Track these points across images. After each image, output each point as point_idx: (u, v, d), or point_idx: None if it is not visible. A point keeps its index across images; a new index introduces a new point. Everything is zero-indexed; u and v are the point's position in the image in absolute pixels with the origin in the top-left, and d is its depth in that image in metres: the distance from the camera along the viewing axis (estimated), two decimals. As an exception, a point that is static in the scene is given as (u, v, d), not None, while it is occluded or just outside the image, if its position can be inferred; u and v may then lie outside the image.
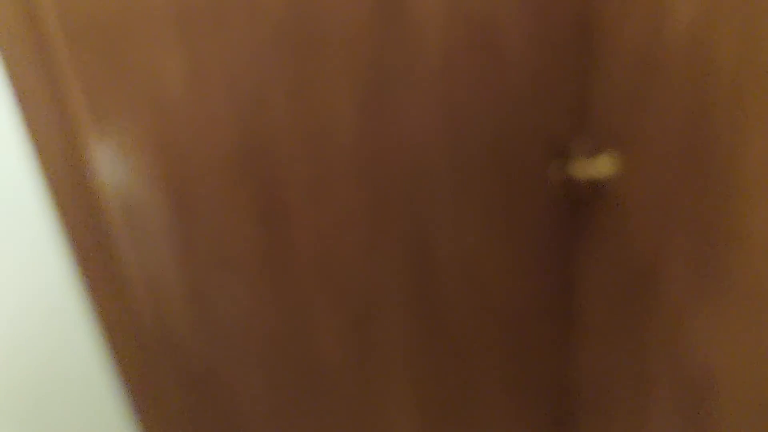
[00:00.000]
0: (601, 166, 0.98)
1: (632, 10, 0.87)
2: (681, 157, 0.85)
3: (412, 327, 1.11)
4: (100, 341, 0.98)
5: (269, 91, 0.87)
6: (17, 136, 0.80)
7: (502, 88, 0.95)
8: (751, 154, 0.75)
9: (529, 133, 1.00)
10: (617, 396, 1.13)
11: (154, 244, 0.94)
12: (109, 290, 0.94)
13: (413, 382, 1.16)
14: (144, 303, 0.99)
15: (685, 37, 0.80)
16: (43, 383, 0.94)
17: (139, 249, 0.94)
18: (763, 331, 0.79)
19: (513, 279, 1.12)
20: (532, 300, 1.15)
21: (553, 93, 0.98)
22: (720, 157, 0.79)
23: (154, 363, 1.03)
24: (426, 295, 1.09)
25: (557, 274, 1.14)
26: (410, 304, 1.08)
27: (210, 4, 0.80)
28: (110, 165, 0.87)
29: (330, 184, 0.95)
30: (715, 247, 0.82)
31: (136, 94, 0.83)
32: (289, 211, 0.95)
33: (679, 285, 0.90)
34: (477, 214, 1.04)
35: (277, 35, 0.84)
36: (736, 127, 0.76)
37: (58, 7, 0.77)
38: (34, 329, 0.91)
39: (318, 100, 0.89)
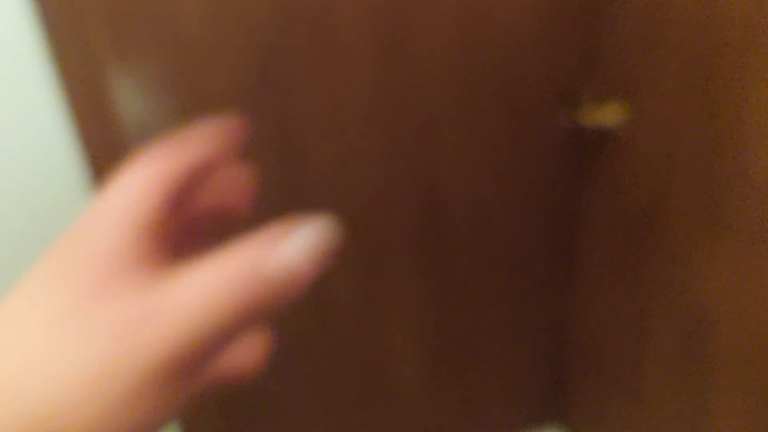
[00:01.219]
0: (608, 113, 0.99)
1: None
2: (687, 103, 0.86)
3: (421, 267, 1.14)
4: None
5: (289, 25, 0.88)
6: (43, 68, 0.83)
7: (514, 34, 0.96)
8: (755, 98, 0.76)
9: (539, 79, 1.01)
10: (616, 334, 1.16)
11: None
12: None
13: (419, 320, 1.20)
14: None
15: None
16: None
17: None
18: (763, 272, 0.81)
19: (518, 220, 1.15)
20: (536, 242, 1.18)
21: (562, 41, 0.99)
22: (725, 102, 0.80)
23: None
24: (435, 237, 1.11)
25: (562, 217, 1.17)
26: (420, 244, 1.11)
27: None
28: (130, 95, 0.89)
29: (345, 123, 0.97)
30: (717, 189, 0.84)
31: (157, 27, 0.85)
32: (305, 150, 0.97)
33: (681, 226, 0.92)
34: (486, 158, 1.06)
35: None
36: (741, 74, 0.77)
37: None
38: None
39: (336, 37, 0.90)
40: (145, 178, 0.18)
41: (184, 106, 0.91)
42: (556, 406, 1.44)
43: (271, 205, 1.00)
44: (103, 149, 0.91)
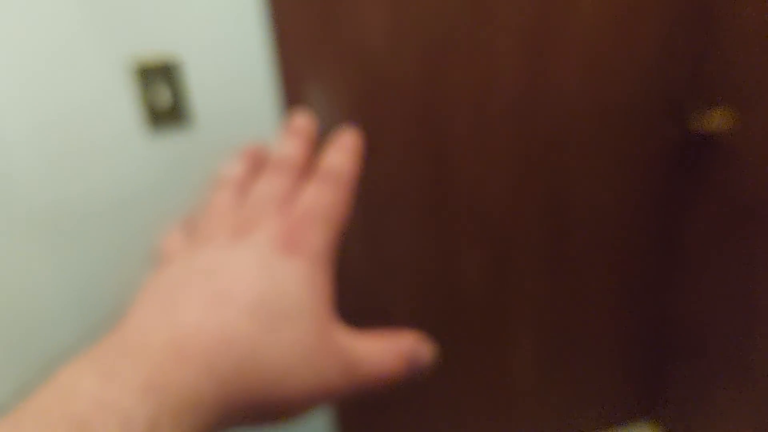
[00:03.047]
0: (716, 119, 1.01)
1: None
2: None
3: (543, 267, 1.23)
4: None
5: (448, 43, 1.00)
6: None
7: (633, 52, 1.05)
8: None
9: (652, 89, 1.09)
10: (722, 321, 1.17)
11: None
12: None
13: (539, 317, 1.28)
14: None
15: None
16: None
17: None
18: None
19: (629, 223, 1.22)
20: (644, 243, 1.25)
21: (674, 52, 1.07)
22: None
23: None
24: (557, 239, 1.20)
25: (669, 218, 1.23)
26: (543, 245, 1.20)
27: None
28: (317, 100, 1.00)
29: (489, 131, 1.07)
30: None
31: (346, 41, 0.97)
32: (453, 149, 1.07)
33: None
34: (603, 165, 1.14)
35: None
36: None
37: None
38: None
39: (487, 54, 1.01)
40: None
41: (359, 111, 1.02)
42: (649, 402, 1.44)
43: (419, 202, 1.11)
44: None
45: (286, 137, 0.30)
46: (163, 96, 0.92)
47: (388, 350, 0.24)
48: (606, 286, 1.28)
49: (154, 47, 0.90)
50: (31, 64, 0.86)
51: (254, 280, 0.22)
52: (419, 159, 1.07)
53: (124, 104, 0.91)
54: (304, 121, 0.30)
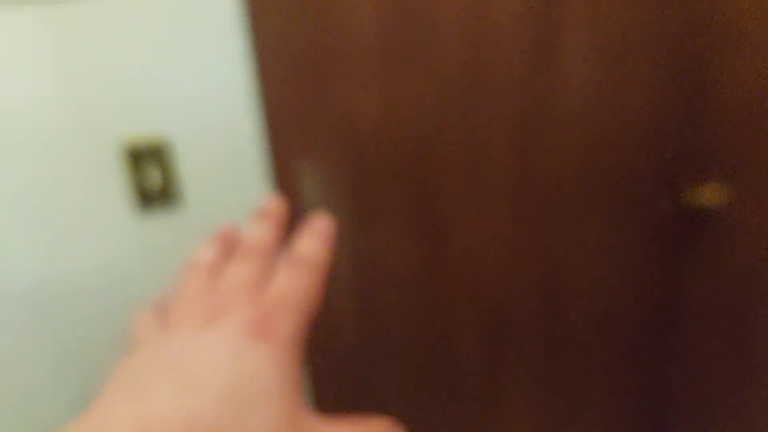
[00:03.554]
0: (709, 194, 0.99)
1: (743, 55, 0.90)
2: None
3: (538, 333, 1.19)
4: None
5: (441, 121, 0.99)
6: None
7: (625, 128, 1.04)
8: None
9: (644, 164, 1.07)
10: (718, 402, 1.14)
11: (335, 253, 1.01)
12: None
13: (534, 384, 1.25)
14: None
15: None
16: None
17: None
18: None
19: (626, 295, 1.18)
20: (641, 315, 1.21)
21: (666, 128, 1.05)
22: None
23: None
24: (553, 309, 1.17)
25: (665, 290, 1.19)
26: (540, 315, 1.17)
27: (403, 47, 0.93)
28: (310, 174, 0.99)
29: (482, 203, 1.06)
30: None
31: (336, 121, 0.96)
32: (447, 226, 1.06)
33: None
34: (598, 238, 1.12)
35: (453, 75, 0.96)
36: None
37: (274, 50, 0.91)
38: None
39: (479, 132, 1.00)
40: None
41: (352, 183, 1.01)
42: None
43: (414, 277, 1.09)
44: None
45: (257, 221, 0.31)
46: (154, 177, 0.91)
47: None
48: (602, 358, 1.24)
49: (145, 129, 0.89)
50: (21, 144, 0.86)
51: (223, 366, 0.22)
52: (413, 235, 1.05)
53: (114, 185, 0.90)
54: (274, 204, 0.31)
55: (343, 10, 0.91)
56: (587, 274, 1.14)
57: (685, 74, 0.99)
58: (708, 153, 1.03)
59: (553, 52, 0.97)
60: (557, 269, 1.12)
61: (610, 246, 1.12)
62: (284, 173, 0.97)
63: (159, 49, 0.87)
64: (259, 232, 0.30)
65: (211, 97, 0.90)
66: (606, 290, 1.16)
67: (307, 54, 0.92)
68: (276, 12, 0.90)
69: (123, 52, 0.86)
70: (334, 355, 1.09)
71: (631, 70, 0.98)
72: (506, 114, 0.99)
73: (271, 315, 0.25)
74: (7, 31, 0.81)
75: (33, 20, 0.82)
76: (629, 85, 0.99)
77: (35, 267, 0.91)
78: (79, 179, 0.89)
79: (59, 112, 0.85)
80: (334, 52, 0.93)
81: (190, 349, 0.23)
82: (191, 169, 0.92)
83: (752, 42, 0.95)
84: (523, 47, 0.96)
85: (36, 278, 0.92)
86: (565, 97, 0.99)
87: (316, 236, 0.29)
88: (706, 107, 1.01)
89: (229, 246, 0.30)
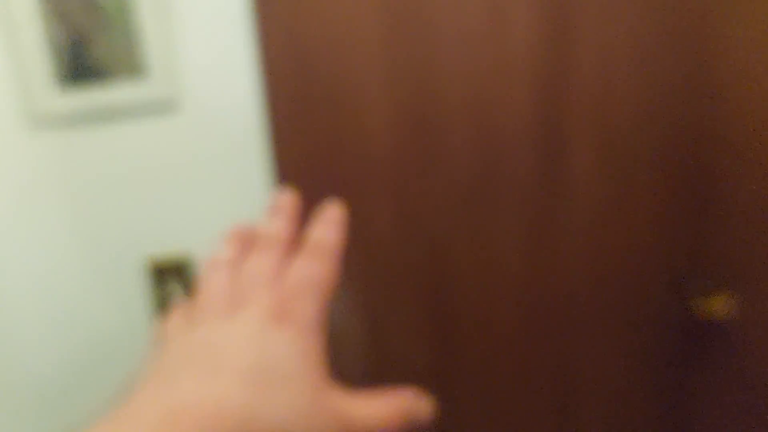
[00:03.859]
0: (718, 305, 0.98)
1: (749, 168, 0.92)
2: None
3: None
4: None
5: (453, 230, 1.02)
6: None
7: (633, 238, 1.04)
8: None
9: (652, 274, 1.06)
10: None
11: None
12: None
13: None
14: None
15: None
16: None
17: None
18: None
19: (635, 405, 1.16)
20: (651, 424, 1.18)
21: (674, 239, 1.05)
22: None
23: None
24: (563, 417, 1.15)
25: (675, 402, 1.17)
26: (548, 418, 1.15)
27: (416, 158, 0.97)
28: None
29: (493, 311, 1.06)
30: None
31: (351, 228, 0.95)
32: (458, 332, 1.07)
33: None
34: (607, 345, 1.10)
35: (465, 185, 0.99)
36: None
37: (293, 167, 0.95)
38: None
39: (490, 241, 1.03)
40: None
41: (368, 290, 1.04)
42: None
43: (424, 380, 1.06)
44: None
45: (271, 215, 0.32)
46: (175, 292, 0.95)
47: (384, 407, 0.26)
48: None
49: (167, 247, 0.94)
50: (51, 262, 0.91)
51: (247, 351, 0.23)
52: (423, 341, 1.07)
53: (137, 301, 0.95)
54: (287, 198, 0.33)
55: (359, 122, 0.95)
56: (597, 385, 1.13)
57: (693, 186, 1.00)
58: (717, 264, 1.03)
59: (561, 166, 0.98)
60: (567, 379, 1.12)
61: (619, 358, 1.11)
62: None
63: (183, 172, 0.92)
64: (274, 225, 0.31)
65: (230, 214, 0.94)
66: (616, 403, 1.15)
67: (324, 165, 0.96)
68: (295, 131, 0.95)
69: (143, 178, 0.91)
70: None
71: (638, 182, 0.99)
72: (516, 224, 1.01)
73: (290, 300, 0.26)
74: (29, 154, 0.87)
75: (54, 143, 0.88)
76: (637, 198, 1.00)
77: (58, 380, 0.96)
78: (104, 294, 0.94)
79: (85, 231, 0.91)
80: (350, 162, 0.96)
81: (215, 339, 0.24)
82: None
83: (758, 154, 0.96)
84: (532, 159, 0.98)
85: (58, 391, 0.96)
86: (573, 208, 1.01)
87: (329, 223, 0.31)
88: (714, 218, 1.01)
89: (247, 242, 0.31)
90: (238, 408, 0.21)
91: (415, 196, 0.98)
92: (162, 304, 0.95)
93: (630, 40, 0.95)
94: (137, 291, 0.95)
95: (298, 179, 0.96)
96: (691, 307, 1.06)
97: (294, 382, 0.23)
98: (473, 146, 0.97)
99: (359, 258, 1.00)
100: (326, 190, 0.96)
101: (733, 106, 0.97)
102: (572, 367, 1.11)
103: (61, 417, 0.97)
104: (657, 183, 1.00)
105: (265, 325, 0.25)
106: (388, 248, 1.01)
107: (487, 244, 1.01)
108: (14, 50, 0.82)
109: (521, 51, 0.94)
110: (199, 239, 0.95)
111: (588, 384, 1.13)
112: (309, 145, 0.95)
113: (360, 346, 1.05)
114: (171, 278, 0.95)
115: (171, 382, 0.22)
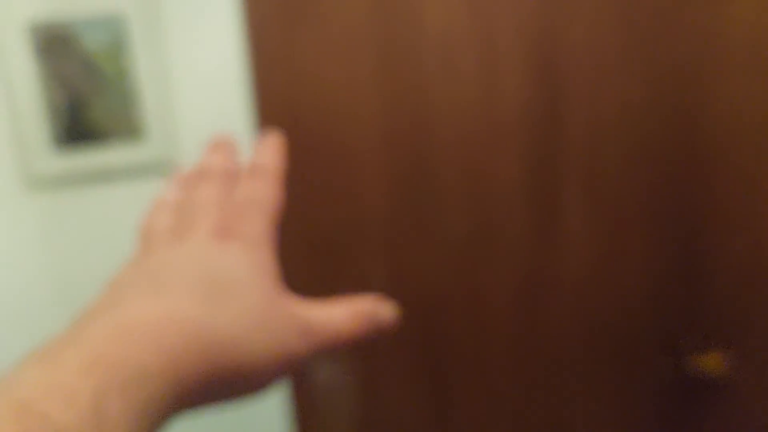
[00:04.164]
0: (711, 362, 0.99)
1: (737, 228, 0.94)
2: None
3: None
4: None
5: (446, 289, 1.02)
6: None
7: (625, 295, 1.05)
8: None
9: (645, 331, 1.07)
10: None
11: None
12: None
13: None
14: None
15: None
16: None
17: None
18: None
19: None
20: None
21: (665, 296, 1.06)
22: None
23: None
24: None
25: None
26: None
27: (411, 218, 0.98)
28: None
29: (487, 369, 1.06)
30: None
31: (347, 287, 0.99)
32: (452, 392, 1.06)
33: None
34: (600, 403, 1.10)
35: (458, 244, 1.00)
36: None
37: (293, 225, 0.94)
38: None
39: (483, 299, 1.03)
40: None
41: (362, 352, 1.04)
42: None
43: (415, 421, 1.07)
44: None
45: (210, 152, 0.32)
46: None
47: (346, 311, 0.26)
48: None
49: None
50: (43, 327, 0.90)
51: (193, 267, 0.24)
52: (417, 401, 1.06)
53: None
54: (225, 137, 0.34)
55: (354, 184, 0.96)
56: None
57: (685, 242, 1.01)
58: (709, 321, 1.04)
59: (553, 225, 1.00)
60: (562, 424, 1.11)
61: (612, 415, 1.11)
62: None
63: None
64: (216, 159, 0.32)
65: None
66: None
67: (319, 226, 0.97)
68: (291, 194, 0.95)
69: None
70: None
71: (630, 239, 1.01)
72: (509, 282, 1.02)
73: (236, 218, 0.27)
74: (25, 216, 0.87)
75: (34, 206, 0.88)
76: (629, 254, 1.02)
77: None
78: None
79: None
80: (344, 222, 0.97)
81: (162, 263, 0.25)
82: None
83: (745, 217, 0.98)
84: (523, 218, 1.00)
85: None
86: (565, 265, 1.02)
87: (269, 147, 0.32)
88: (708, 275, 1.03)
89: (191, 182, 0.31)
90: (190, 320, 0.21)
91: (409, 255, 0.99)
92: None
93: (620, 100, 0.98)
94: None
95: (293, 239, 0.96)
96: (685, 365, 1.07)
97: (245, 291, 0.24)
98: (466, 207, 0.98)
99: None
100: (320, 250, 0.97)
101: (722, 164, 0.99)
102: (565, 424, 1.10)
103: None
104: (649, 239, 1.02)
105: (210, 243, 0.25)
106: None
107: (481, 302, 1.02)
108: (12, 112, 0.82)
109: (513, 113, 0.97)
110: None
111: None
112: (305, 207, 0.95)
113: (353, 406, 1.05)
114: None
115: (117, 304, 0.22)
